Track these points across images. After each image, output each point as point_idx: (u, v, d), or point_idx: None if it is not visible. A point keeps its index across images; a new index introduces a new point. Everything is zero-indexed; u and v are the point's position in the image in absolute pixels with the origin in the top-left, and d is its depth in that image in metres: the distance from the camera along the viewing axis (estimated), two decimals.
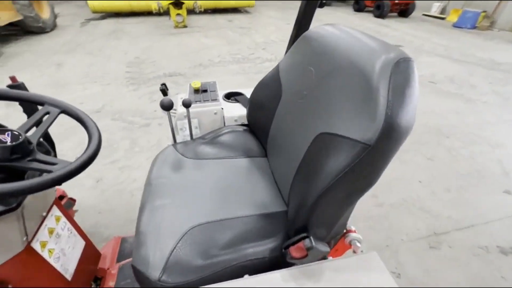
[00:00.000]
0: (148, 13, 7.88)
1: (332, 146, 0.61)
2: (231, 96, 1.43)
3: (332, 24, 0.87)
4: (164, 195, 0.85)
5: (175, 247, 0.70)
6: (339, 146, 0.59)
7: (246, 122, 1.27)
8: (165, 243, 0.71)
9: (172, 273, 0.65)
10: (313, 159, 0.67)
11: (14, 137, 0.60)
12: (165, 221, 0.77)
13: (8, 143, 0.58)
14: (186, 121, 1.21)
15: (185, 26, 6.64)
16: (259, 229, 0.77)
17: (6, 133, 0.60)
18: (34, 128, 0.71)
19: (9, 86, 0.77)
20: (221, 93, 1.43)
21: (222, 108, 1.28)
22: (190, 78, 3.93)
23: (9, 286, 0.74)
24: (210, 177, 0.95)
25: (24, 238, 0.71)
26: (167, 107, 1.01)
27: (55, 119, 0.71)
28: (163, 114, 1.25)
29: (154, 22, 7.23)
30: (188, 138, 1.22)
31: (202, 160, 1.02)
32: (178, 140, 1.23)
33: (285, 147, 0.89)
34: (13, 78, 0.80)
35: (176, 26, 6.59)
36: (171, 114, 1.17)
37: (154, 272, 0.65)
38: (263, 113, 1.05)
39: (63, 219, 0.90)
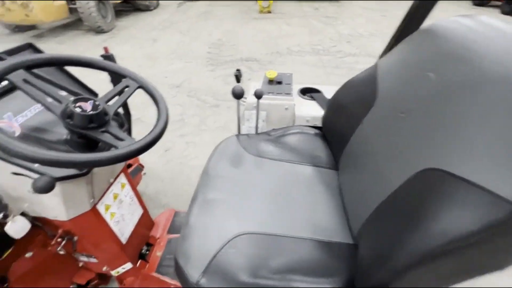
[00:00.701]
0: None
1: (450, 193, 0.42)
2: (306, 92, 1.29)
3: (472, 16, 0.63)
4: (218, 189, 0.81)
5: (219, 251, 0.64)
6: (464, 198, 0.40)
7: (319, 125, 1.12)
8: (211, 244, 0.66)
9: (212, 279, 0.60)
10: (412, 201, 0.49)
11: (94, 106, 0.62)
12: (214, 219, 0.72)
13: (88, 112, 0.60)
14: (254, 112, 1.14)
15: (269, 12, 6.60)
16: (318, 261, 0.64)
17: (89, 102, 0.62)
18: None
19: (102, 56, 0.81)
20: (296, 87, 1.30)
21: (295, 104, 1.16)
22: (265, 65, 3.89)
23: (75, 237, 0.81)
24: (269, 180, 0.86)
25: (91, 200, 0.77)
26: (237, 95, 0.95)
27: (132, 93, 0.71)
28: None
29: (241, 6, 7.41)
30: (253, 131, 1.15)
31: (263, 158, 0.94)
32: (242, 131, 1.17)
33: (367, 167, 0.72)
34: (105, 49, 0.85)
35: (261, 11, 6.60)
36: (241, 102, 1.12)
37: (194, 272, 0.61)
38: (345, 120, 0.88)
39: (128, 186, 0.96)
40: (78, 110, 0.59)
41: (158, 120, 0.66)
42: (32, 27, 5.70)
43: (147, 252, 1.15)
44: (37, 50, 0.84)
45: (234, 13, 6.79)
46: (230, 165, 0.90)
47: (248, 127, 1.20)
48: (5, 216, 0.64)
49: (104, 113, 0.64)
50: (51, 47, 4.85)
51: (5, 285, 0.76)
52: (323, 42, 4.73)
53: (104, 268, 0.96)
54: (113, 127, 0.63)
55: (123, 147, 0.55)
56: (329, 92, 1.07)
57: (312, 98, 1.23)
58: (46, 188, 0.52)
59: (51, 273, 0.90)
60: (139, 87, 0.73)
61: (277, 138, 1.04)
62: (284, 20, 6.07)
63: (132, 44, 4.82)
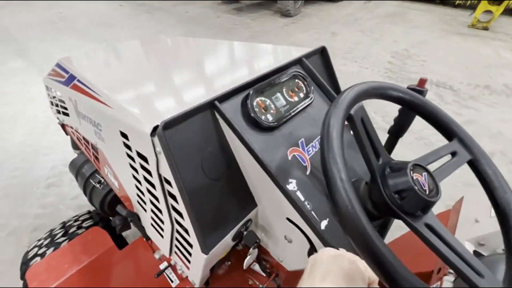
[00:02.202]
0: (441, 1, 6.65)
1: None
2: None
3: None
4: None
5: None
6: None
7: None
8: None
9: None
10: None
11: (430, 183, 0.39)
12: None
13: (427, 194, 0.38)
14: None
15: (485, 29, 5.01)
16: None
17: (424, 174, 0.40)
18: None
19: (410, 88, 0.58)
20: None
21: None
22: (464, 99, 2.96)
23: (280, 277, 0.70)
24: None
25: None
26: None
27: (457, 167, 0.44)
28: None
29: (443, 13, 6.03)
30: None
31: None
32: None
33: None
34: (422, 81, 0.62)
35: (473, 25, 5.11)
36: None
37: None
38: None
39: None
40: (415, 185, 0.38)
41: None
42: (236, 1, 6.71)
43: None
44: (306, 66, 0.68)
45: (432, 20, 5.59)
46: None
47: None
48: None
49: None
50: (245, 22, 5.55)
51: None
52: None
53: None
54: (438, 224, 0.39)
55: None
56: None
57: None
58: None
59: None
60: (470, 160, 0.45)
61: None
62: (507, 44, 4.46)
63: (310, 33, 4.82)
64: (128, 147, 0.55)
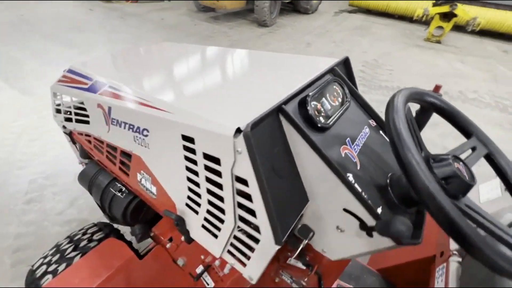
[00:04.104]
0: (399, 17, 7.37)
1: None
2: None
3: None
4: None
5: None
6: None
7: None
8: None
9: None
10: None
11: (467, 170, 0.48)
12: None
13: (467, 179, 0.47)
14: None
15: (438, 42, 5.67)
16: None
17: (461, 164, 0.49)
18: None
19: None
20: None
21: None
22: None
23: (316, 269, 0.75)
24: None
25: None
26: None
27: (478, 160, 0.55)
28: None
29: (403, 28, 6.69)
30: None
31: None
32: None
33: None
34: (437, 88, 0.72)
35: (428, 39, 5.75)
36: None
37: None
38: None
39: None
40: (459, 172, 0.46)
41: None
42: (212, 10, 6.77)
43: None
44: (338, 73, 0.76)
45: (394, 34, 6.18)
46: None
47: None
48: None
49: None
50: (223, 30, 5.62)
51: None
52: None
53: None
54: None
55: None
56: None
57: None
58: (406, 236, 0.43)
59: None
60: (487, 154, 0.55)
61: None
62: (457, 56, 5.09)
63: (287, 43, 5.03)
64: (190, 150, 0.58)
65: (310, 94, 0.58)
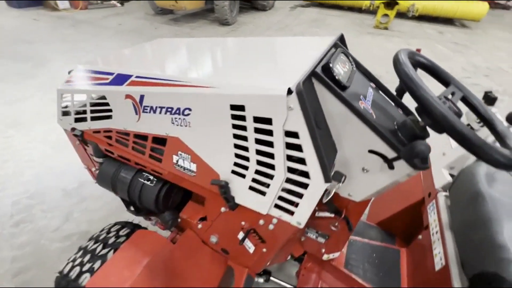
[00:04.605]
0: (349, 8, 7.96)
1: None
2: None
3: None
4: None
5: None
6: None
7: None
8: None
9: None
10: None
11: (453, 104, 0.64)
12: None
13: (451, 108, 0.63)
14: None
15: (386, 28, 6.27)
16: None
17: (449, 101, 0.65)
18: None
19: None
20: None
21: None
22: (390, 84, 3.70)
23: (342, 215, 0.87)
24: None
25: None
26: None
27: (457, 101, 0.72)
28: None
29: (354, 18, 7.24)
30: None
31: None
32: None
33: None
34: (418, 50, 0.88)
35: (377, 27, 6.33)
36: None
37: None
38: None
39: None
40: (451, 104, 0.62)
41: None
42: (170, 12, 6.64)
43: None
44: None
45: (347, 24, 6.68)
46: None
47: None
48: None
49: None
50: (186, 31, 5.57)
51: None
52: (454, 71, 4.26)
53: (323, 250, 1.02)
54: None
55: None
56: None
57: None
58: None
59: None
60: (462, 98, 0.73)
61: None
62: (403, 39, 5.69)
63: None
64: (239, 117, 0.66)
65: (330, 61, 0.70)
